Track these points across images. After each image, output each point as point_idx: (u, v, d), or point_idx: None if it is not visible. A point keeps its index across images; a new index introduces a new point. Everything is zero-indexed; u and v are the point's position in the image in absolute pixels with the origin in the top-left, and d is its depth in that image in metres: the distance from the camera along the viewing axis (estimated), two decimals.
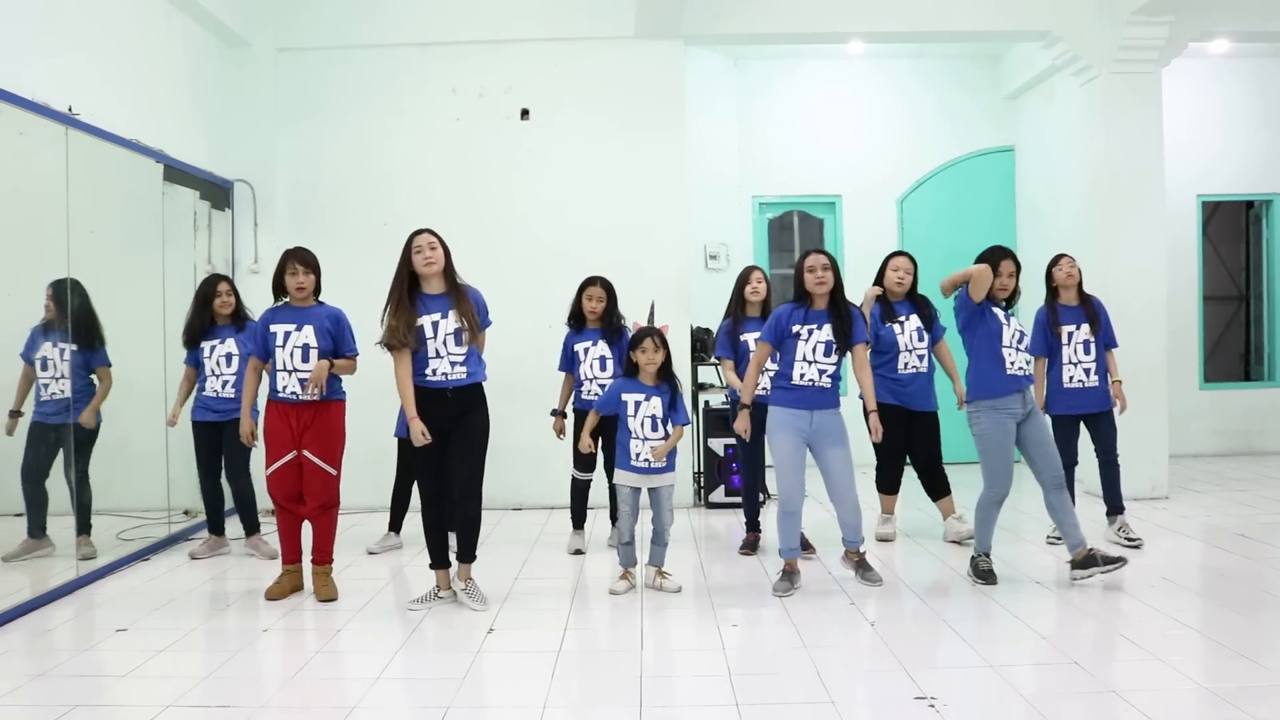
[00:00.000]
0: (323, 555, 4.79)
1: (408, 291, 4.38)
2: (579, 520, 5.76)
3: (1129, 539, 5.58)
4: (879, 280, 5.79)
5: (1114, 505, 5.65)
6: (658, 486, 4.78)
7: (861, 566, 4.81)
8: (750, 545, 5.66)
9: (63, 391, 5.01)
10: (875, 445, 5.67)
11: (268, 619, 4.45)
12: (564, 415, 5.64)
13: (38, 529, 4.94)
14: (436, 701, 3.41)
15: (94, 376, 5.25)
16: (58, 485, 5.02)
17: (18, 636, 4.23)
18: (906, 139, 9.00)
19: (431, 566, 4.65)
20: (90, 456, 5.20)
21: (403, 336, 4.32)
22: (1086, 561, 4.68)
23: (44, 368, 4.96)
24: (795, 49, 8.58)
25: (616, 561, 4.96)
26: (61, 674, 3.75)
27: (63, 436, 5.02)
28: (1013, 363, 4.66)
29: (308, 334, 4.64)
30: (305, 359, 4.63)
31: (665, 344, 4.78)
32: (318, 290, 4.78)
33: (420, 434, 4.36)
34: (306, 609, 4.60)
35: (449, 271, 4.46)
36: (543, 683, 3.60)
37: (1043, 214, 8.41)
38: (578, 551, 5.67)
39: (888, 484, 5.91)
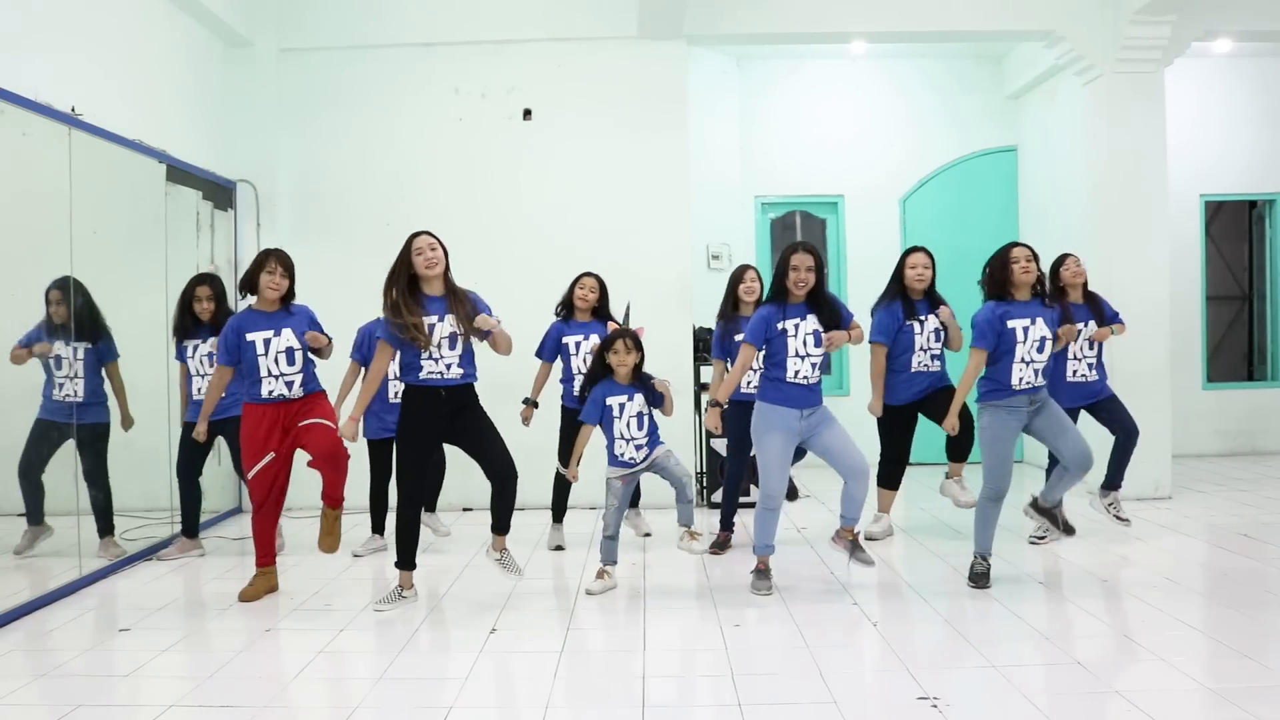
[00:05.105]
0: (334, 498, 4.74)
1: (407, 291, 4.37)
2: (559, 514, 5.78)
3: (1119, 516, 5.58)
4: (898, 277, 5.71)
5: (1113, 480, 5.61)
6: (653, 462, 4.76)
7: (855, 546, 4.78)
8: (721, 545, 5.66)
9: (76, 393, 5.02)
10: (880, 433, 5.69)
11: (270, 619, 4.45)
12: (535, 405, 5.58)
13: (37, 516, 4.93)
14: (439, 701, 3.42)
15: (104, 374, 5.25)
16: (60, 487, 5.03)
17: (21, 635, 4.24)
18: (909, 139, 8.99)
19: (398, 565, 4.61)
20: (105, 455, 5.22)
21: (423, 338, 4.31)
22: (1047, 513, 4.88)
23: (57, 366, 4.96)
24: (797, 49, 8.56)
25: (625, 555, 4.95)
26: (64, 673, 3.75)
27: (66, 435, 5.03)
28: (1021, 378, 4.60)
29: (288, 337, 4.63)
30: (291, 362, 4.64)
31: (639, 346, 4.77)
32: (290, 295, 4.74)
33: (352, 435, 4.53)
34: (309, 609, 4.60)
35: (447, 274, 4.47)
36: (545, 683, 3.60)
37: (1045, 214, 8.41)
38: (558, 548, 5.71)
39: (888, 479, 5.86)
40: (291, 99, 7.17)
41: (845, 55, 8.78)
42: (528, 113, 7.20)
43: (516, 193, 7.14)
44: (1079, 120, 7.59)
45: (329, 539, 4.75)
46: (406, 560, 4.60)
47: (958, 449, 5.80)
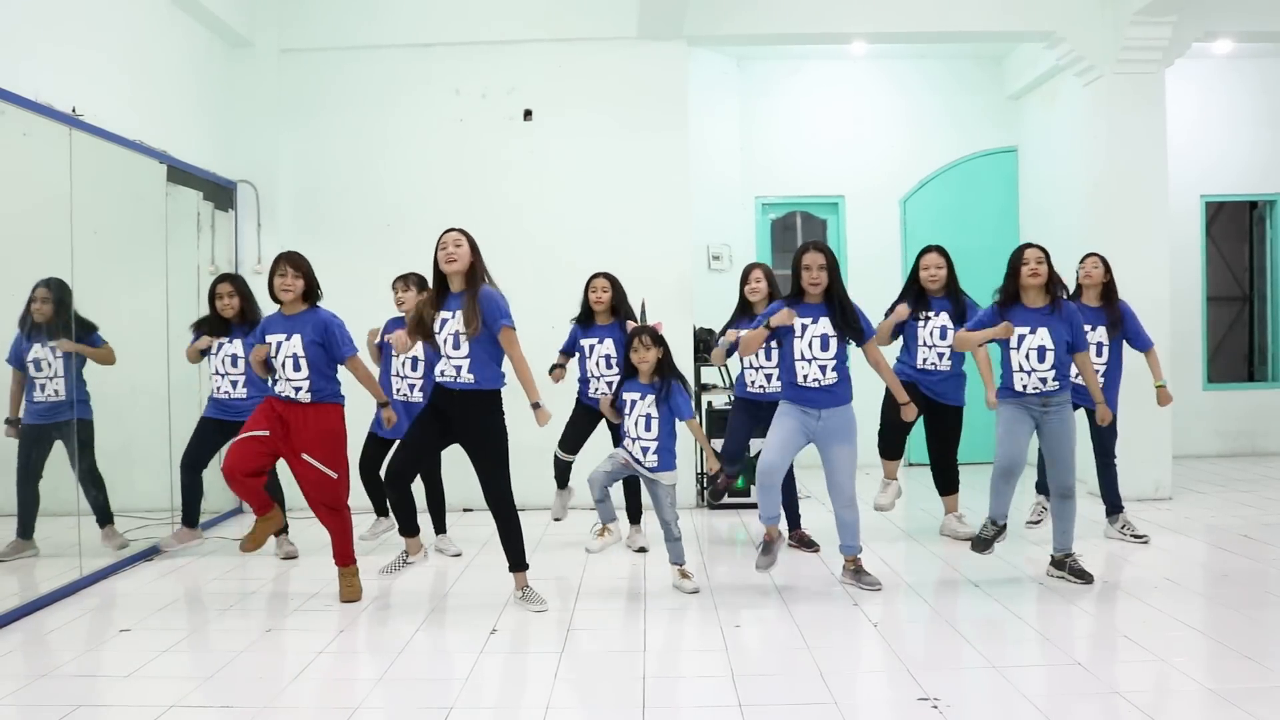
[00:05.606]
0: (343, 558, 4.76)
1: (442, 288, 4.47)
2: (563, 480, 5.71)
3: (1135, 535, 5.60)
4: (914, 279, 5.75)
5: (1113, 505, 5.71)
6: (655, 484, 4.77)
7: (859, 573, 4.78)
8: (714, 482, 5.76)
9: (58, 393, 5.01)
10: (883, 409, 5.68)
11: (270, 619, 4.46)
12: (562, 364, 5.62)
13: (26, 530, 4.92)
14: (440, 702, 3.42)
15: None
16: (60, 487, 5.03)
17: (21, 636, 4.24)
18: (909, 139, 8.99)
19: (401, 533, 4.81)
20: (92, 451, 5.19)
21: (425, 330, 4.46)
22: (1061, 564, 4.82)
23: (37, 368, 4.95)
24: (798, 49, 8.57)
25: (625, 556, 4.95)
26: (64, 674, 3.75)
27: (61, 435, 5.02)
28: (1025, 385, 4.64)
29: (295, 344, 4.61)
30: (296, 369, 4.61)
31: (659, 340, 4.76)
32: (310, 295, 4.72)
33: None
34: (310, 609, 4.60)
35: (471, 271, 4.44)
36: (546, 683, 3.60)
37: (1046, 214, 8.41)
38: (557, 519, 5.75)
39: (889, 449, 5.83)
40: (292, 99, 7.17)
41: (845, 56, 8.78)
42: (528, 113, 7.21)
43: (517, 193, 7.14)
44: (1079, 121, 7.59)
45: (350, 590, 4.73)
46: (408, 527, 4.75)
47: (946, 481, 5.84)
